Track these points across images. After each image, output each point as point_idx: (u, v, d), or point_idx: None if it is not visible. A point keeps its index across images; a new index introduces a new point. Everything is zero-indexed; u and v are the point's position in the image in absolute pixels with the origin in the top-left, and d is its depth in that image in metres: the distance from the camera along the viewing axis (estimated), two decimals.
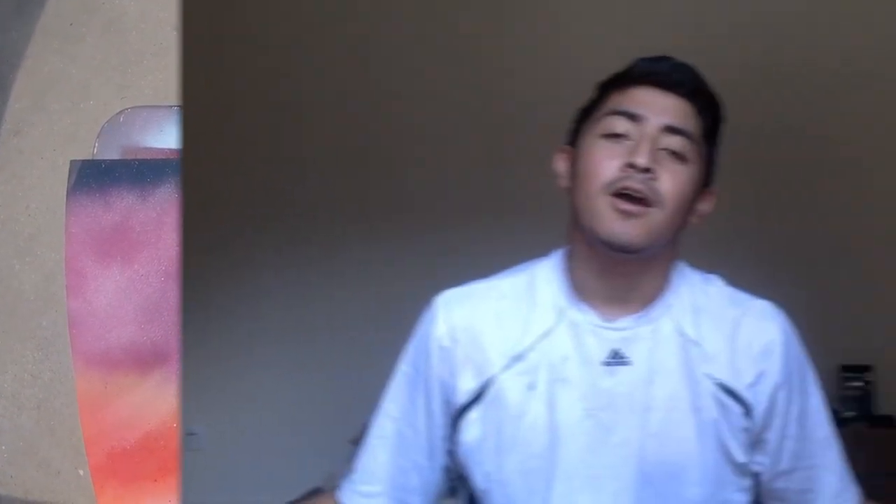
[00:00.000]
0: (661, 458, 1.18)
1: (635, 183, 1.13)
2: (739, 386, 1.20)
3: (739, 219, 3.53)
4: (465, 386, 1.22)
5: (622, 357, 1.19)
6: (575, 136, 1.25)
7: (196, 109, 4.09)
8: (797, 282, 3.61)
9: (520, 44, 3.98)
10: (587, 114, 1.25)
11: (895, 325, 3.68)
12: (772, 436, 1.22)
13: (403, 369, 1.28)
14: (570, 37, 3.95)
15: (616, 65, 1.32)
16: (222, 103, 4.08)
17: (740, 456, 1.20)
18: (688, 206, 1.20)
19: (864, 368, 3.57)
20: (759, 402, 1.20)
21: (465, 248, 3.72)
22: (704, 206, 1.25)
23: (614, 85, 1.24)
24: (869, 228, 3.74)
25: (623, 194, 1.14)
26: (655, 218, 1.14)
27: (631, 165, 1.13)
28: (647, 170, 1.13)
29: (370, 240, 3.94)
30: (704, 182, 1.23)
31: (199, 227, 3.88)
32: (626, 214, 1.13)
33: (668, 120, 1.17)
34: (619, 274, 1.20)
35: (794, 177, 3.79)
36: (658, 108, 1.18)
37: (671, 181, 1.15)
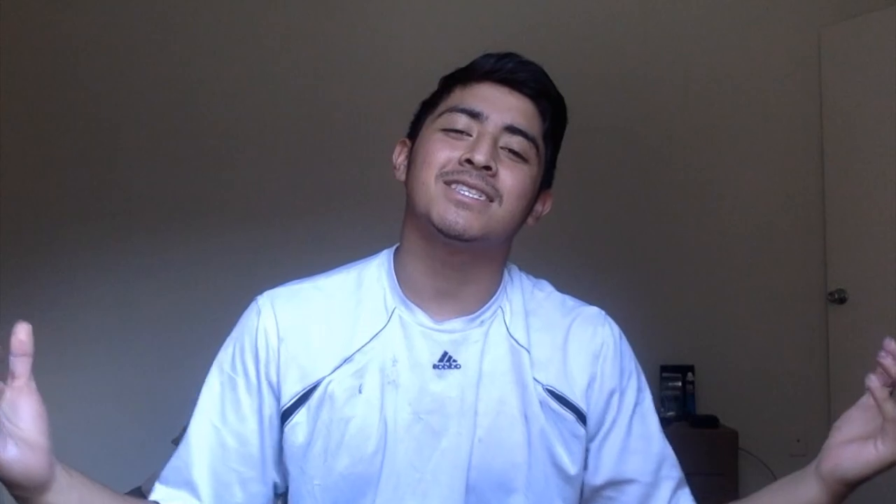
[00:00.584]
0: (489, 465, 1.12)
1: (472, 178, 1.08)
2: (572, 393, 1.16)
3: (565, 221, 3.60)
4: (291, 388, 1.13)
5: (452, 360, 1.14)
6: (415, 130, 1.20)
7: (11, 110, 3.85)
8: (620, 284, 3.70)
9: (346, 42, 3.94)
10: (429, 107, 1.19)
11: (716, 326, 3.85)
12: (597, 442, 1.19)
13: (225, 371, 1.17)
14: (399, 35, 3.95)
15: (448, 67, 1.25)
16: (35, 104, 3.88)
17: (571, 467, 1.16)
18: (528, 205, 1.16)
19: (686, 369, 3.66)
20: (593, 408, 1.18)
21: (287, 247, 3.67)
22: (541, 207, 1.22)
23: (458, 79, 1.18)
24: (691, 233, 3.89)
25: (459, 183, 1.09)
26: (494, 212, 1.10)
27: (469, 161, 1.08)
28: (485, 167, 1.08)
29: (190, 240, 3.85)
30: (543, 184, 1.20)
31: (15, 226, 3.80)
32: (461, 204, 1.08)
33: (509, 119, 1.13)
34: (450, 266, 1.14)
35: (622, 183, 3.90)
36: (500, 106, 1.13)
37: (511, 178, 1.11)
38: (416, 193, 1.12)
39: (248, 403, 1.14)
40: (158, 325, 3.80)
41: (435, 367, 1.13)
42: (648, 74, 3.88)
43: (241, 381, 1.15)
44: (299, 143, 3.90)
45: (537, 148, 1.15)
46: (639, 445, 1.19)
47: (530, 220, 1.20)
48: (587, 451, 1.18)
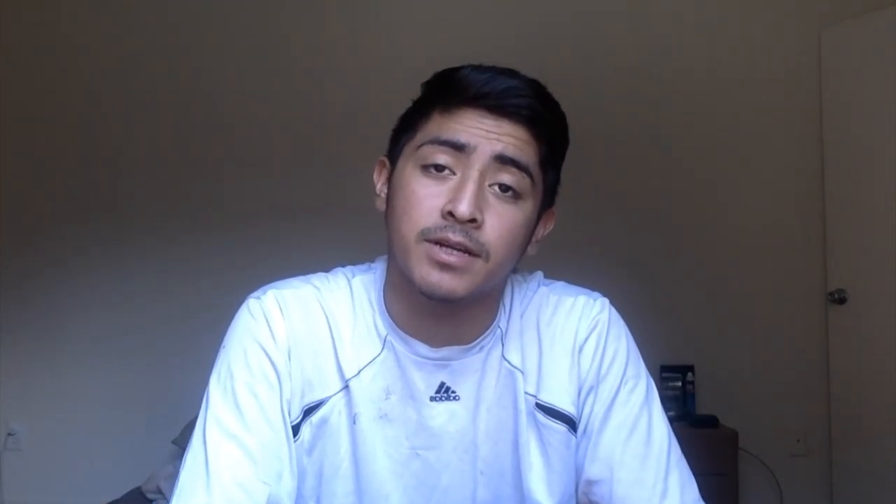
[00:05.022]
0: (494, 497, 1.06)
1: (455, 235, 0.96)
2: (560, 400, 1.08)
3: (564, 221, 3.57)
4: (298, 402, 1.04)
5: (451, 391, 1.06)
6: (394, 151, 1.07)
7: (12, 111, 3.88)
8: (620, 284, 3.68)
9: (347, 43, 3.94)
10: (408, 126, 1.05)
11: (716, 326, 3.85)
12: (579, 444, 1.09)
13: (240, 378, 1.02)
14: (401, 35, 3.94)
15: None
16: (36, 105, 3.91)
17: (564, 481, 1.08)
18: (521, 248, 1.04)
19: (686, 369, 3.66)
20: (582, 410, 1.09)
21: (288, 248, 3.60)
22: (542, 230, 1.10)
23: (438, 100, 1.02)
24: (691, 233, 3.89)
25: (442, 243, 0.97)
26: (478, 269, 0.98)
27: (451, 214, 0.96)
28: (470, 220, 0.96)
29: (190, 240, 3.85)
30: (544, 206, 1.08)
31: (16, 226, 3.85)
32: (444, 266, 0.96)
33: (500, 148, 0.98)
34: (439, 315, 1.04)
35: (621, 183, 3.90)
36: (488, 133, 0.98)
37: (499, 228, 0.98)
38: (395, 244, 1.02)
39: (278, 409, 1.02)
40: (158, 327, 3.80)
41: (432, 398, 1.06)
42: (648, 74, 3.88)
43: (261, 386, 1.02)
44: (299, 143, 3.90)
45: (532, 178, 1.01)
46: (614, 439, 1.07)
47: (530, 250, 1.08)
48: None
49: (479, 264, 0.98)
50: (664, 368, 3.64)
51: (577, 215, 3.69)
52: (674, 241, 3.86)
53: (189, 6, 3.95)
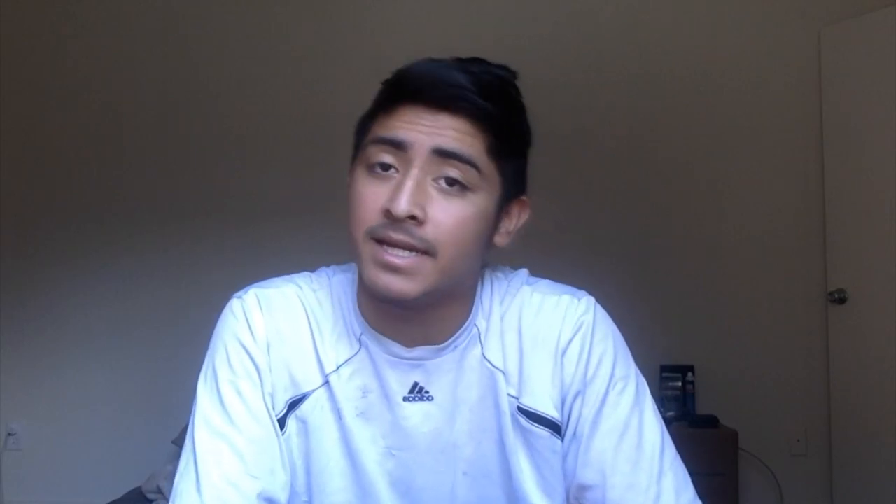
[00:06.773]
0: (478, 497, 1.06)
1: (396, 233, 0.95)
2: (543, 405, 1.06)
3: (565, 221, 3.60)
4: (282, 396, 1.05)
5: (424, 391, 1.05)
6: (355, 150, 1.06)
7: (11, 110, 3.91)
8: (620, 284, 3.69)
9: (344, 43, 3.94)
10: (362, 124, 1.05)
11: (716, 326, 3.85)
12: (567, 449, 1.07)
13: (223, 377, 1.04)
14: (399, 35, 3.90)
15: None
16: (36, 105, 3.93)
17: (554, 485, 1.07)
18: (477, 240, 1.00)
19: (686, 369, 3.67)
20: (567, 415, 1.07)
21: (286, 248, 3.59)
22: (513, 221, 1.06)
23: (383, 97, 1.02)
24: (691, 233, 3.89)
25: (385, 243, 0.96)
26: (429, 270, 0.96)
27: (389, 212, 0.95)
28: (410, 217, 0.94)
29: (189, 241, 3.87)
30: (509, 197, 1.04)
31: (14, 227, 3.88)
32: (389, 268, 0.95)
33: (439, 141, 0.96)
34: (405, 315, 1.03)
35: (621, 183, 3.90)
36: (426, 128, 0.96)
37: (444, 223, 0.96)
38: (350, 244, 1.01)
39: (258, 403, 1.03)
40: (158, 327, 3.81)
41: (405, 399, 1.05)
42: (648, 75, 3.88)
43: (244, 383, 1.03)
44: (298, 143, 3.90)
45: (479, 169, 0.97)
46: (605, 443, 1.05)
47: (499, 240, 1.05)
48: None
49: (429, 264, 0.96)
50: (664, 368, 3.64)
51: (578, 216, 3.70)
52: (674, 241, 3.86)
53: (189, 6, 3.96)
